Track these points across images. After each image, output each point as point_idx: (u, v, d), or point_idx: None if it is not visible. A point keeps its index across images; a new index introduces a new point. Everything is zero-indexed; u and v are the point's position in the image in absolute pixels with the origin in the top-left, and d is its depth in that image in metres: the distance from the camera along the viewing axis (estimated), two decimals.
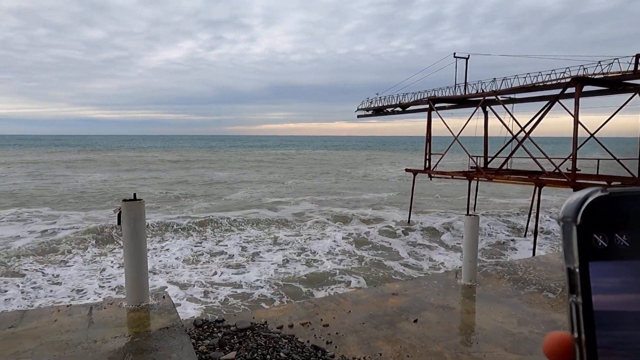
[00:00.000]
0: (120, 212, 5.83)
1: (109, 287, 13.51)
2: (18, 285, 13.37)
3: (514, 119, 21.75)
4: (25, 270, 14.93)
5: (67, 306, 5.91)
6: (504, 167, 23.50)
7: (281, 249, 18.63)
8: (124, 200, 5.90)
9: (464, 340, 6.45)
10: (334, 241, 20.09)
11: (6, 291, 12.83)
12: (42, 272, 14.74)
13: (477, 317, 7.39)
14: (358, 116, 35.53)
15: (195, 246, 18.92)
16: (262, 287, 13.56)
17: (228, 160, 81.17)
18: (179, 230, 21.99)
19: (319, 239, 20.56)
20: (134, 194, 5.99)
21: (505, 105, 22.45)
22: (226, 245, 19.18)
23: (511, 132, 22.12)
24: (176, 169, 61.04)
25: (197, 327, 6.81)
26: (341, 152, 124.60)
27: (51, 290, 13.01)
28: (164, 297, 6.31)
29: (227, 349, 5.95)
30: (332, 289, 13.47)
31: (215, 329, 6.77)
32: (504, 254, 19.04)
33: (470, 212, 22.65)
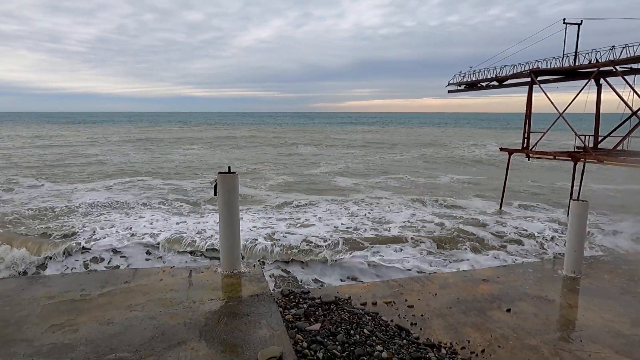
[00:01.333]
0: (216, 184, 6.18)
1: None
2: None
3: (635, 92, 19.00)
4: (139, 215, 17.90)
5: (171, 268, 6.49)
6: (619, 148, 20.76)
7: (352, 217, 19.26)
8: (220, 172, 6.24)
9: (564, 337, 5.89)
10: (413, 214, 20.04)
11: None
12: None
13: (580, 313, 6.70)
14: (449, 91, 33.62)
15: (268, 212, 20.30)
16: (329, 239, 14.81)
17: (311, 138, 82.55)
18: (256, 200, 23.59)
19: (395, 212, 20.68)
20: (229, 167, 6.30)
21: (626, 77, 19.65)
22: (301, 214, 20.30)
23: (630, 108, 19.41)
24: (263, 146, 63.86)
25: (284, 296, 7.08)
26: (427, 128, 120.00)
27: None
28: (254, 265, 6.64)
29: (312, 320, 6.10)
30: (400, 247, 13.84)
31: (301, 300, 6.99)
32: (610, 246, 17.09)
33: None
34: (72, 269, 12.66)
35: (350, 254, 13.62)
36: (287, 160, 44.97)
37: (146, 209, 20.83)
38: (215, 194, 6.22)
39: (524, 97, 24.86)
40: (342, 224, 17.90)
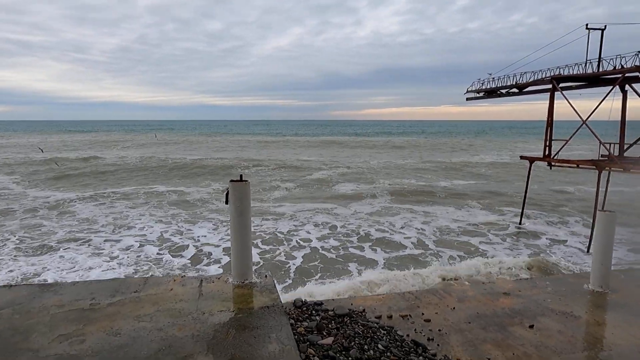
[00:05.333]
0: (227, 192, 6.08)
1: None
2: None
3: None
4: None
5: (182, 277, 6.40)
6: None
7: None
8: (231, 181, 6.14)
9: (592, 356, 5.55)
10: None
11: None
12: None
13: (609, 330, 6.32)
14: (467, 99, 33.18)
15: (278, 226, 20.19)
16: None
17: (323, 148, 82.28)
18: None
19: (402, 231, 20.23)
20: (240, 175, 6.20)
21: None
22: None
23: None
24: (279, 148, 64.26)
25: (297, 307, 6.91)
26: (441, 138, 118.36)
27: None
28: (266, 276, 6.50)
29: (324, 333, 5.91)
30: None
31: (313, 312, 6.80)
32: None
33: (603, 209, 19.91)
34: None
35: None
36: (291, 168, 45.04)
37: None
38: (226, 203, 6.11)
39: (546, 104, 24.30)
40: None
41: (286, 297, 8.41)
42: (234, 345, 4.44)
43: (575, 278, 8.60)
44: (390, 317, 6.68)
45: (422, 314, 6.73)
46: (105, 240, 18.04)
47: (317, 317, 6.55)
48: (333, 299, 7.59)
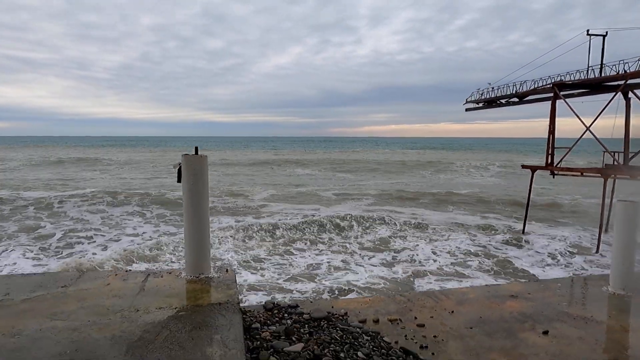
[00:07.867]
0: (180, 167, 5.08)
1: None
2: None
3: None
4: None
5: (126, 271, 5.35)
6: None
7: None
8: (185, 154, 5.13)
9: None
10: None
11: None
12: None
13: (637, 338, 5.25)
14: (467, 109, 32.43)
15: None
16: None
17: (317, 160, 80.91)
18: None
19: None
20: (196, 147, 5.20)
21: None
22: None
23: None
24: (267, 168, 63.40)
25: (267, 310, 5.83)
26: (440, 152, 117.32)
27: None
28: (227, 270, 5.44)
29: (294, 339, 4.84)
30: None
31: (286, 315, 5.72)
32: None
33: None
34: None
35: None
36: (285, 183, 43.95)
37: None
38: (179, 181, 5.11)
39: (545, 121, 23.46)
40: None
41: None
42: (161, 348, 3.37)
43: (591, 280, 7.53)
44: (376, 321, 5.60)
45: (415, 318, 5.65)
46: None
47: (289, 321, 5.48)
48: (312, 301, 6.52)
